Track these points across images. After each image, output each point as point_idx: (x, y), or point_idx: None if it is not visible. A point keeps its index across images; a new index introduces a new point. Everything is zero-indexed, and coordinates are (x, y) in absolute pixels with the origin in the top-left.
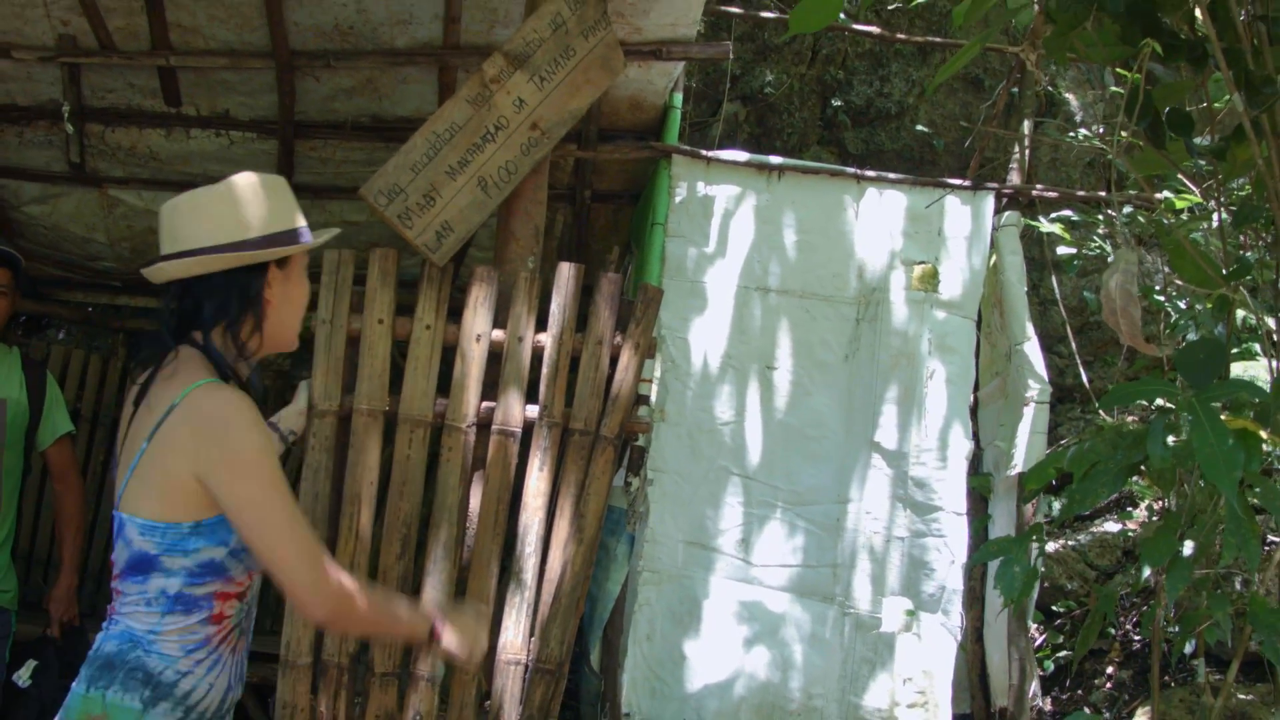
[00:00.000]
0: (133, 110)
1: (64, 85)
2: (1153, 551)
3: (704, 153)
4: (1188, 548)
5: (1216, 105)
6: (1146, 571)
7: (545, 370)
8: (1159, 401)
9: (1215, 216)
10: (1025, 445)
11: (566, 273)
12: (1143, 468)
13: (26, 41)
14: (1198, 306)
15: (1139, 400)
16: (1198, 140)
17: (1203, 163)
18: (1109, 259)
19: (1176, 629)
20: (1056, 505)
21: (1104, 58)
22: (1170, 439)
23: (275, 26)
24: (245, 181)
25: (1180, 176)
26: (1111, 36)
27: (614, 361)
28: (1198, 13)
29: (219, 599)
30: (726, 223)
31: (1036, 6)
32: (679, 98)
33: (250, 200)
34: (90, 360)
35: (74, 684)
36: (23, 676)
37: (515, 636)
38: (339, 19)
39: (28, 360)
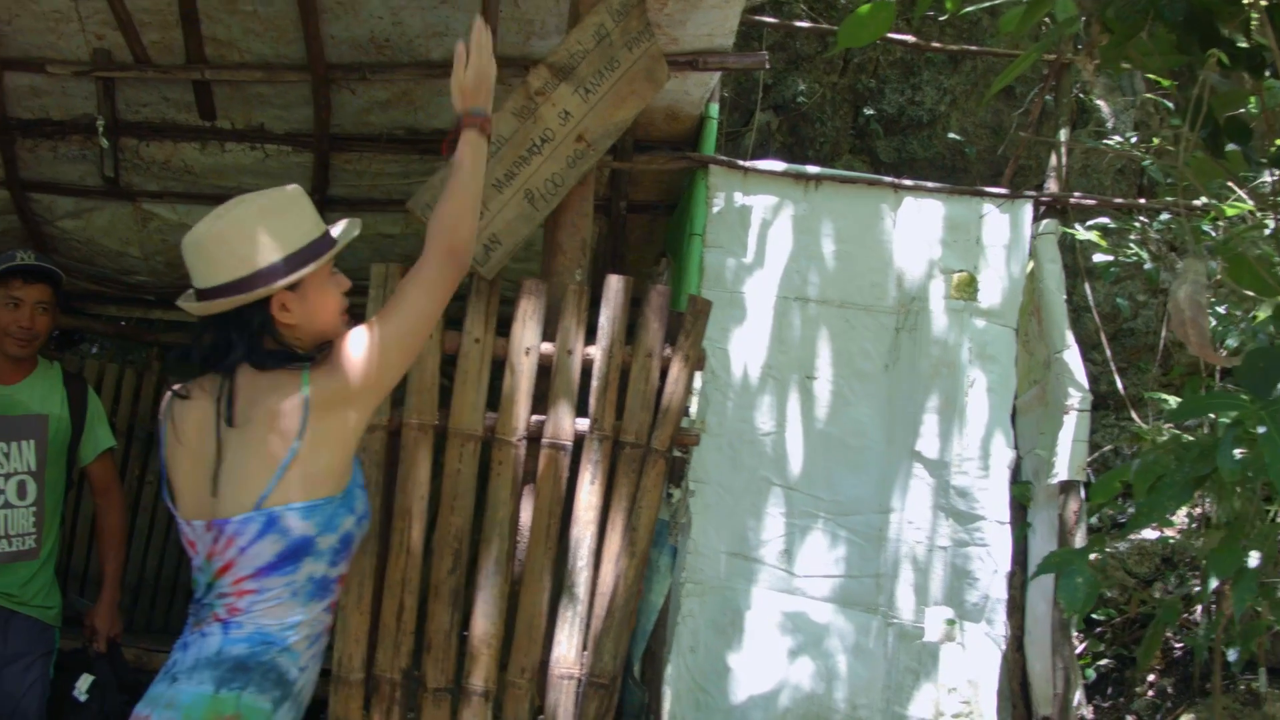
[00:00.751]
0: (167, 124)
1: (99, 99)
2: (1219, 563)
3: (741, 163)
4: (1253, 558)
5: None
6: (1214, 582)
7: (595, 383)
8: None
9: (1271, 224)
10: (1066, 453)
11: (615, 285)
12: None
13: (61, 56)
14: (1248, 314)
15: (1209, 413)
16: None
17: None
18: (1144, 265)
19: (1225, 636)
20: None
21: (1159, 67)
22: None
23: (311, 40)
24: (245, 211)
25: (1230, 184)
26: (1166, 45)
27: (663, 374)
28: (1256, 20)
29: (339, 584)
30: (764, 233)
31: (1082, 17)
32: (715, 108)
33: (248, 233)
34: (124, 374)
35: (187, 685)
36: (81, 690)
37: (568, 651)
38: (375, 32)
39: (69, 375)
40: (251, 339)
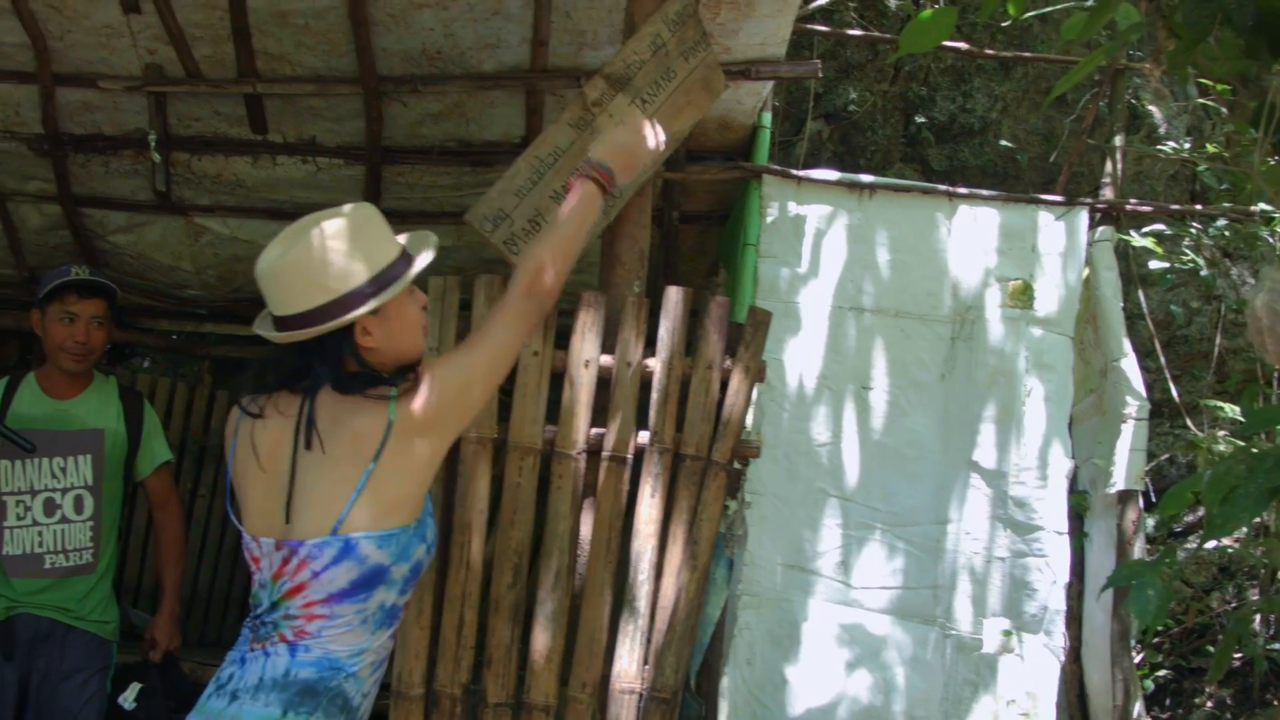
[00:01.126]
0: (219, 138)
1: (150, 114)
2: None
3: (795, 172)
4: None
5: None
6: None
7: (655, 395)
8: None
9: None
10: (1124, 462)
11: (674, 297)
12: None
13: (113, 71)
14: None
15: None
16: None
17: None
18: (1199, 272)
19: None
20: (1151, 521)
21: (1225, 72)
22: None
23: (363, 53)
24: (322, 234)
25: None
26: (1234, 50)
27: (723, 386)
28: None
29: (404, 610)
30: (819, 242)
31: (1144, 23)
32: (767, 117)
33: (328, 258)
34: (176, 388)
35: (251, 705)
36: (128, 699)
37: (629, 665)
38: (426, 44)
39: (124, 389)
40: (335, 364)
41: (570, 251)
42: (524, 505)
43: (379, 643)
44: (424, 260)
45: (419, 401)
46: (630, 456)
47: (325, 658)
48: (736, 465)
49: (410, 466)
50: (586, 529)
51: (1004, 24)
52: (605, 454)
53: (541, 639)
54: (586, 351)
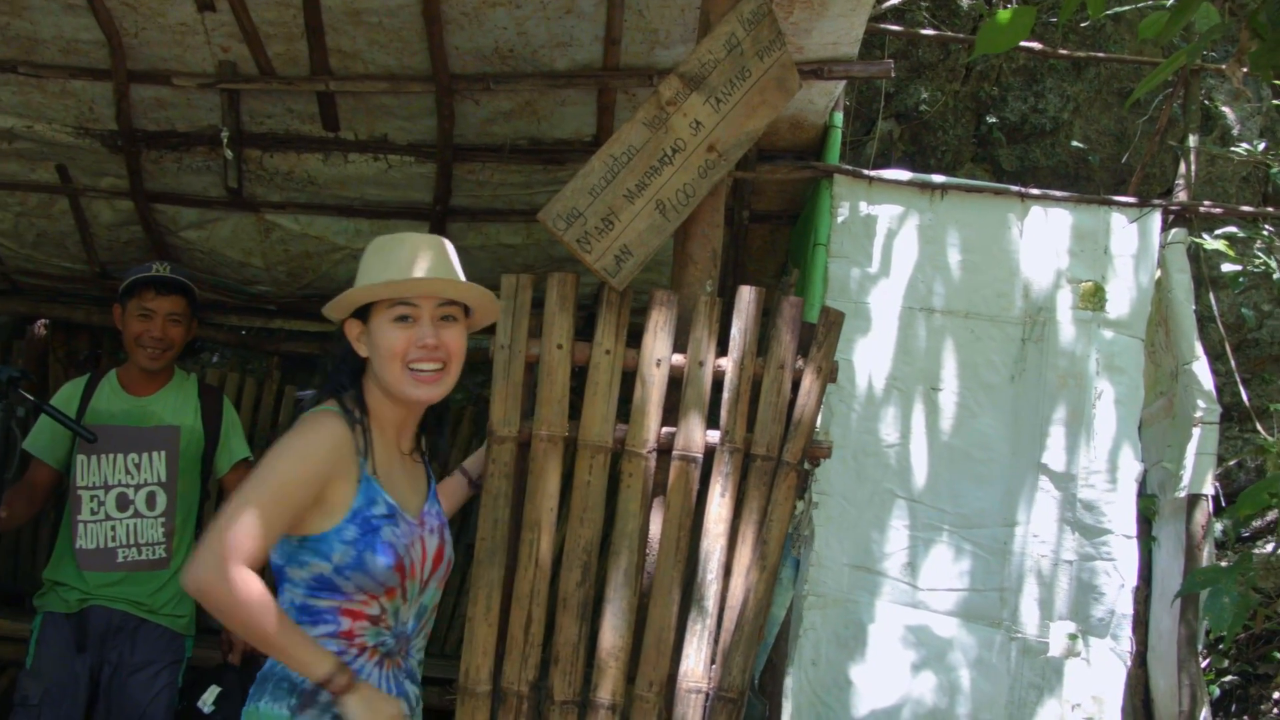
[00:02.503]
0: (291, 135)
1: (223, 111)
2: None
3: (866, 172)
4: None
5: None
6: None
7: (726, 395)
8: None
9: None
10: (1194, 466)
11: (747, 296)
12: None
13: (187, 69)
14: None
15: None
16: None
17: None
18: (1272, 275)
19: None
20: (1220, 527)
21: None
22: None
23: (435, 51)
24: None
25: None
26: None
27: (795, 386)
28: None
29: (344, 615)
30: (889, 243)
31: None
32: (839, 117)
33: (364, 256)
34: (245, 384)
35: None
36: (207, 702)
37: (696, 665)
38: (499, 42)
39: (205, 387)
40: (338, 359)
41: (243, 628)
42: (594, 503)
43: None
44: (383, 277)
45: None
46: (700, 456)
47: None
48: (807, 466)
49: None
50: (656, 528)
51: (1083, 24)
52: (676, 453)
53: (609, 637)
54: (658, 350)
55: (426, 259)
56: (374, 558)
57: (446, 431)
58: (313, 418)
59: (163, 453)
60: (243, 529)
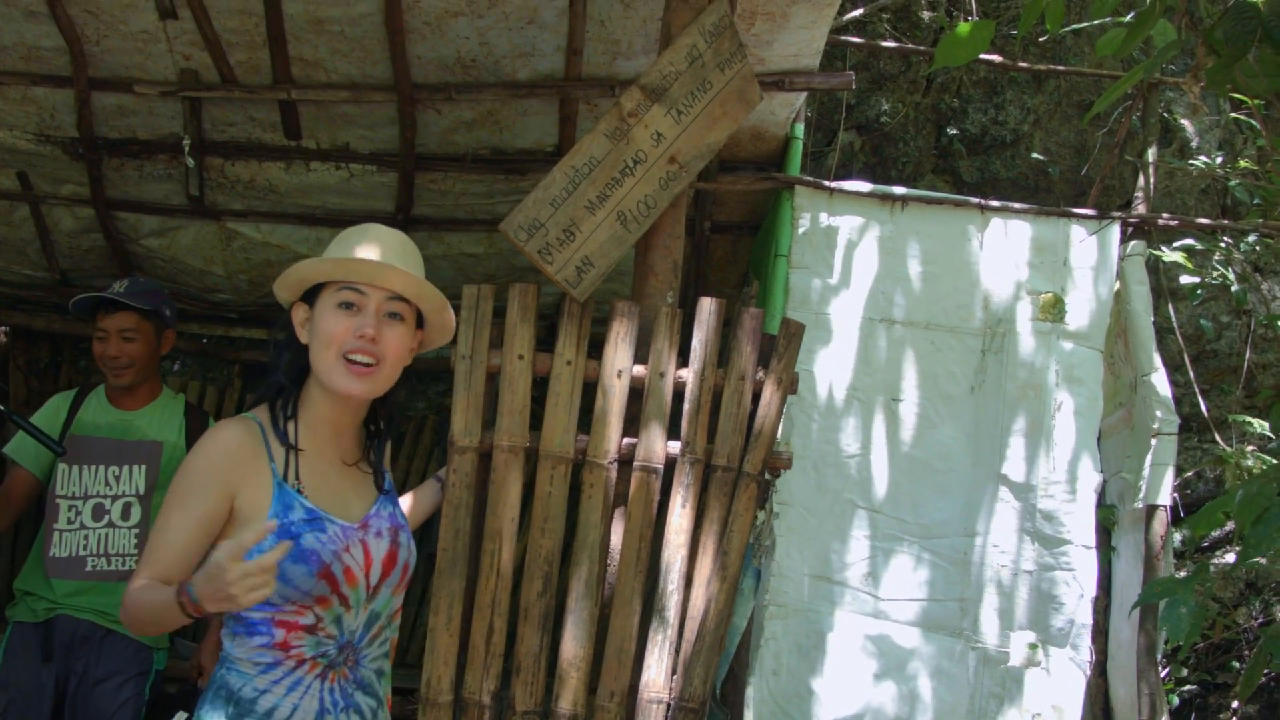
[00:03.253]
0: (253, 143)
1: (185, 119)
2: None
3: (827, 183)
4: None
5: None
6: None
7: (687, 406)
8: None
9: None
10: (1153, 477)
11: (708, 308)
12: None
13: (149, 76)
14: None
15: None
16: None
17: None
18: (1230, 287)
19: None
20: (1179, 537)
21: (1265, 89)
22: None
23: (398, 60)
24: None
25: None
26: (1274, 67)
27: (755, 397)
28: None
29: (279, 626)
30: (850, 254)
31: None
32: (800, 128)
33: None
34: (206, 392)
35: None
36: None
37: (658, 675)
38: (461, 52)
39: (191, 407)
40: (279, 345)
41: (138, 622)
42: (555, 514)
43: (246, 648)
44: (339, 250)
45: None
46: (661, 467)
47: (221, 655)
48: (767, 477)
49: None
50: (617, 538)
51: (1042, 38)
52: (637, 464)
53: (570, 647)
54: (619, 361)
55: (385, 249)
56: (292, 566)
57: (389, 437)
58: (213, 428)
59: (143, 466)
60: (152, 552)
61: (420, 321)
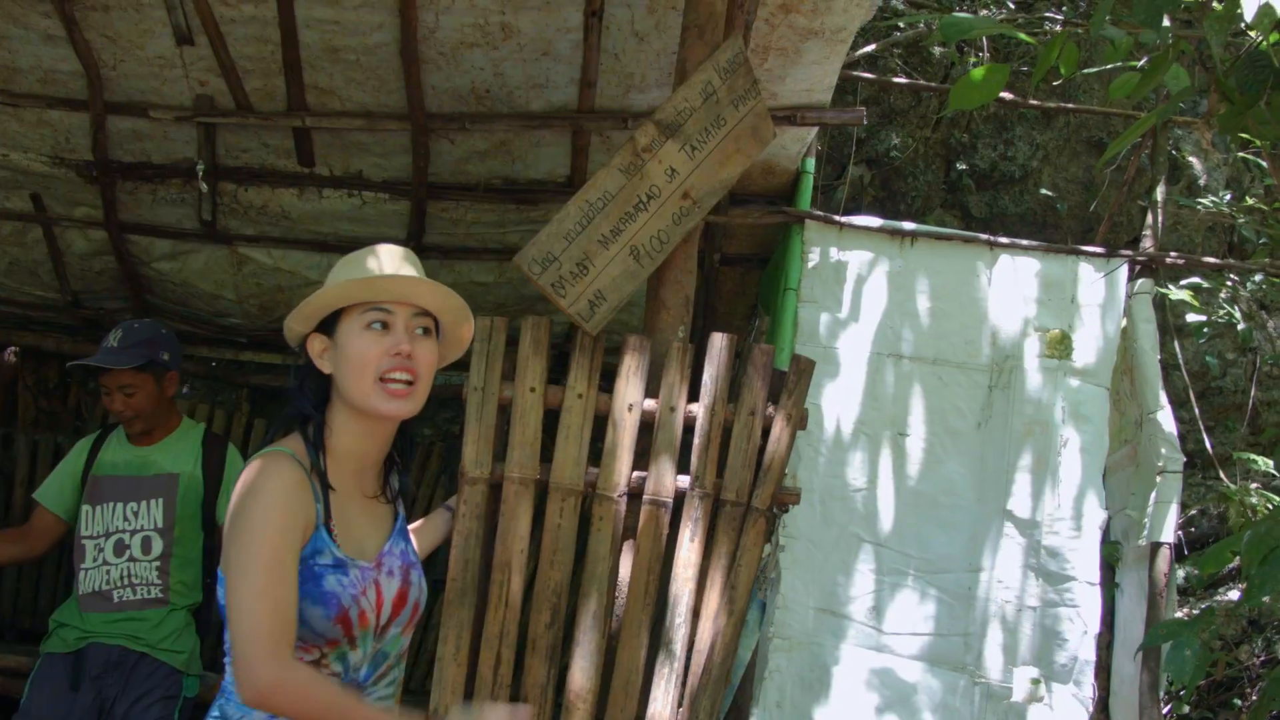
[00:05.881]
0: (266, 170)
1: (199, 144)
2: None
3: (837, 218)
4: None
5: None
6: None
7: (697, 440)
8: None
9: None
10: (1157, 514)
11: (719, 343)
12: None
13: (164, 101)
14: None
15: None
16: None
17: None
18: (1237, 325)
19: None
20: (1181, 573)
21: (1277, 136)
22: None
23: (412, 90)
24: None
25: None
26: None
27: (765, 432)
28: None
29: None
30: (859, 288)
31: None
32: (811, 162)
33: (331, 276)
34: (214, 415)
35: None
36: None
37: (664, 707)
38: (476, 82)
39: (210, 435)
40: (300, 379)
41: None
42: (564, 546)
43: None
44: (354, 273)
45: (232, 498)
46: (671, 500)
47: (222, 684)
48: (776, 512)
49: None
50: (625, 571)
51: (1055, 82)
52: (646, 497)
53: (578, 679)
54: (630, 395)
55: (403, 266)
56: (311, 608)
57: (412, 469)
58: (266, 464)
59: (160, 499)
60: (261, 623)
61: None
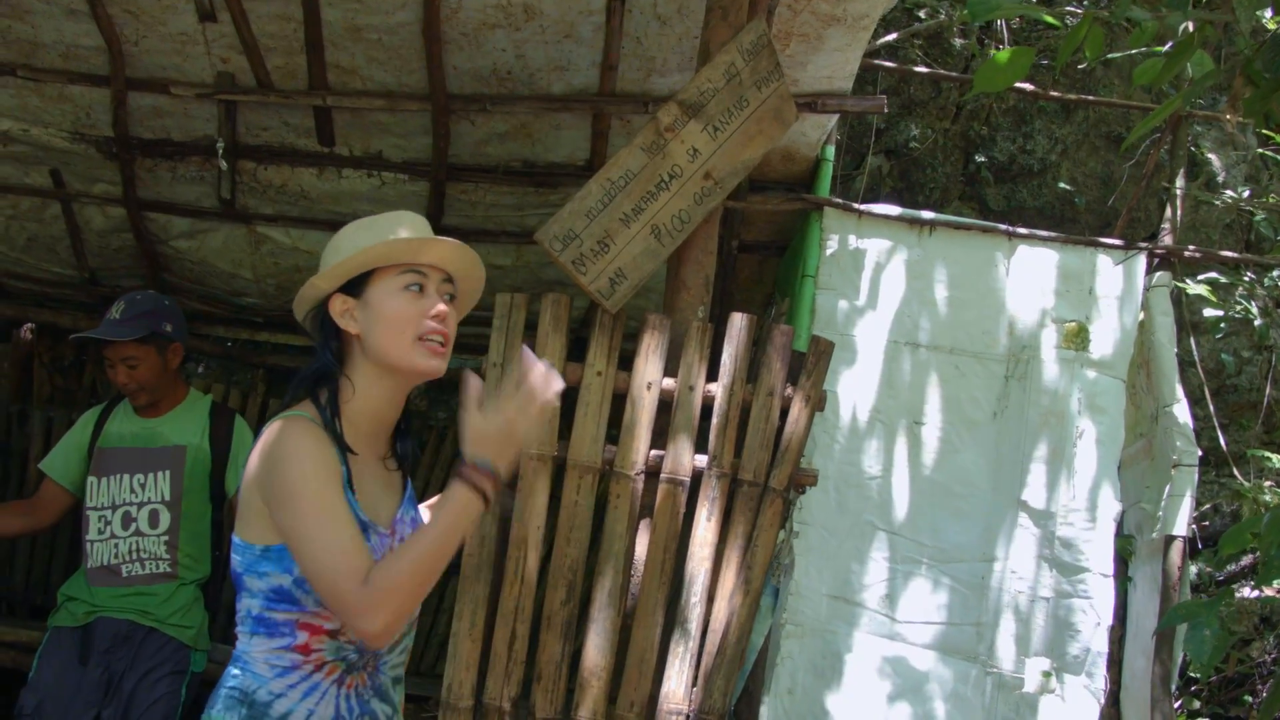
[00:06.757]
0: (286, 149)
1: (219, 122)
2: None
3: (856, 206)
4: None
5: None
6: None
7: (715, 420)
8: None
9: None
10: (1172, 508)
11: (738, 323)
12: None
13: (185, 78)
14: None
15: None
16: None
17: None
18: (1253, 321)
19: None
20: (1194, 569)
21: None
22: None
23: (434, 70)
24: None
25: None
26: None
27: (783, 413)
28: None
29: (302, 629)
30: (877, 276)
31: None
32: (830, 150)
33: (338, 239)
34: (229, 395)
35: None
36: None
37: (678, 686)
38: (498, 64)
39: (218, 407)
40: (321, 343)
41: (432, 573)
42: (580, 523)
43: (263, 650)
44: (386, 235)
45: (252, 464)
46: (688, 479)
47: (235, 651)
48: (793, 493)
49: (249, 492)
50: (641, 549)
51: (1081, 65)
52: (663, 476)
53: (592, 656)
54: (649, 374)
55: (431, 232)
56: None
57: (413, 438)
58: (288, 425)
59: (166, 472)
60: (341, 570)
61: None
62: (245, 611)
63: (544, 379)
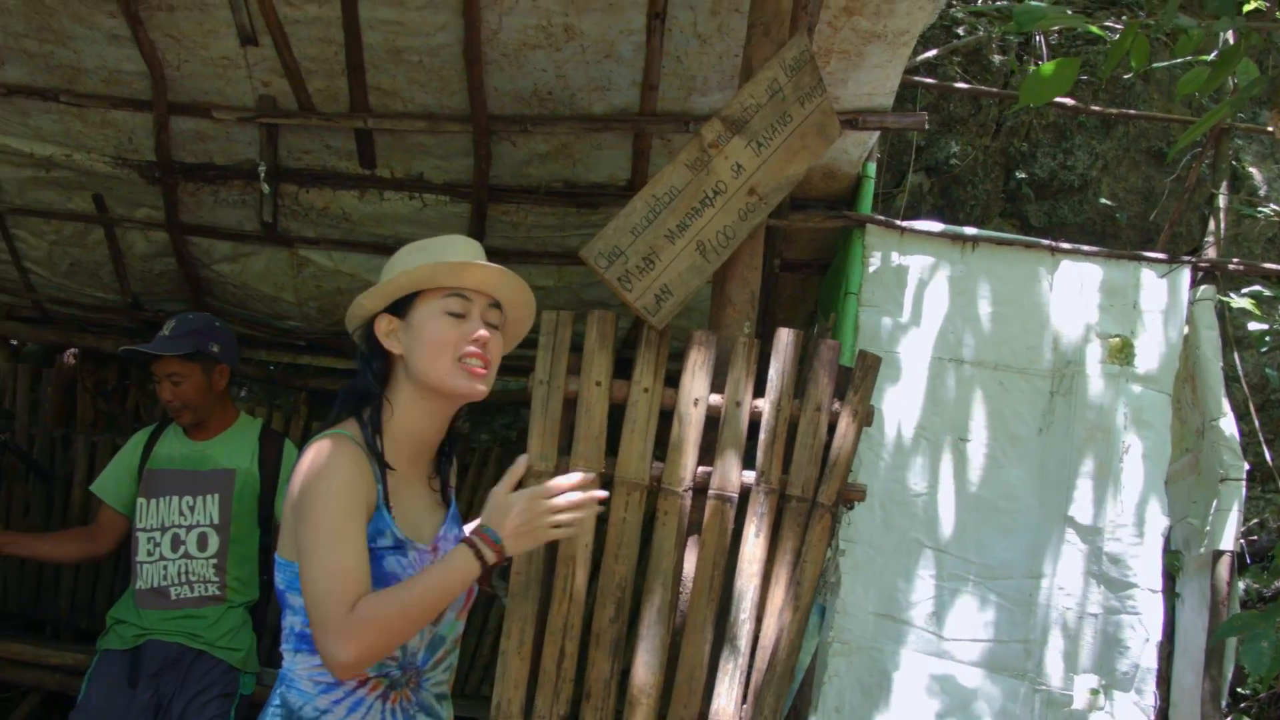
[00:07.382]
0: (328, 171)
1: (261, 145)
2: None
3: (898, 223)
4: None
5: None
6: None
7: (763, 436)
8: None
9: None
10: (1219, 522)
11: (785, 339)
12: None
13: (227, 102)
14: None
15: None
16: None
17: None
18: None
19: None
20: (1241, 585)
21: None
22: None
23: (475, 91)
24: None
25: None
26: None
27: (831, 429)
28: None
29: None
30: (920, 293)
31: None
32: (872, 167)
33: (392, 260)
34: (272, 418)
35: None
36: None
37: (728, 704)
38: (538, 85)
39: (268, 431)
40: (365, 363)
41: (416, 620)
42: (629, 540)
43: (307, 667)
44: (435, 258)
45: (291, 483)
46: (736, 495)
47: (280, 672)
48: (842, 509)
49: (288, 510)
50: (690, 566)
51: (1125, 76)
52: (711, 492)
53: (641, 674)
54: (696, 390)
55: (481, 257)
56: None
57: (455, 457)
58: (328, 445)
59: (216, 495)
60: (332, 590)
61: None
62: (289, 629)
63: (576, 486)
